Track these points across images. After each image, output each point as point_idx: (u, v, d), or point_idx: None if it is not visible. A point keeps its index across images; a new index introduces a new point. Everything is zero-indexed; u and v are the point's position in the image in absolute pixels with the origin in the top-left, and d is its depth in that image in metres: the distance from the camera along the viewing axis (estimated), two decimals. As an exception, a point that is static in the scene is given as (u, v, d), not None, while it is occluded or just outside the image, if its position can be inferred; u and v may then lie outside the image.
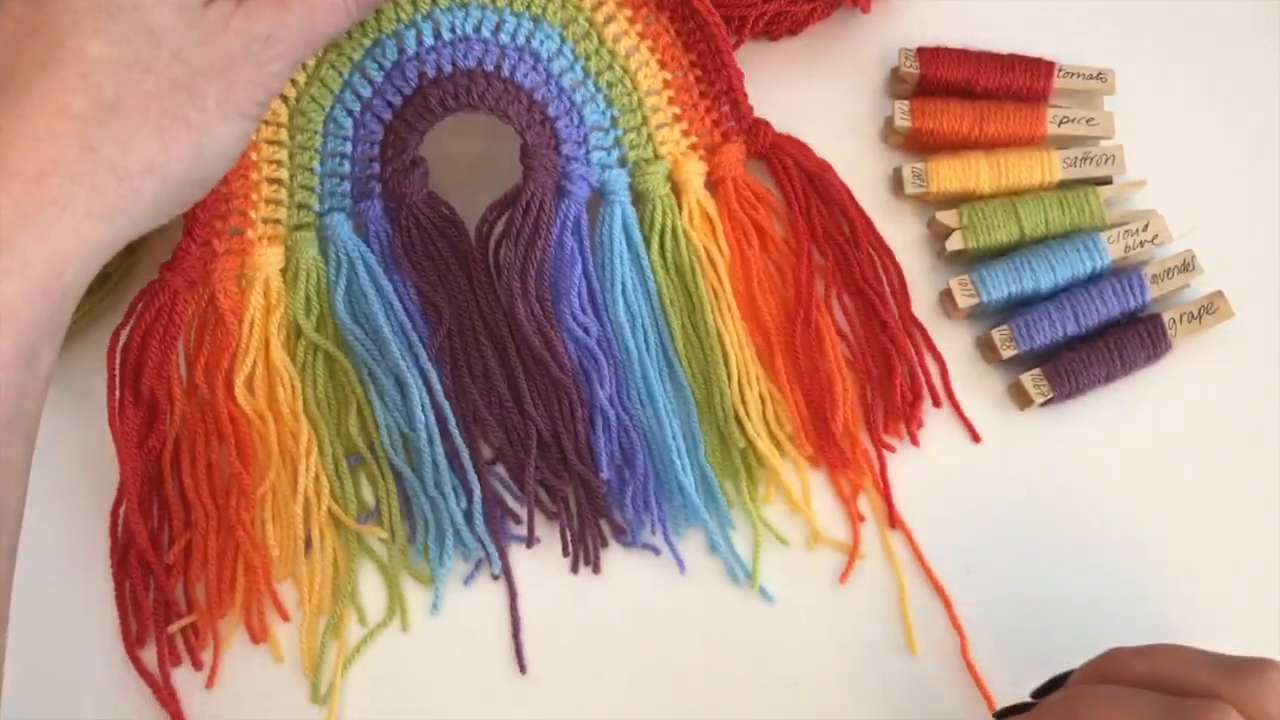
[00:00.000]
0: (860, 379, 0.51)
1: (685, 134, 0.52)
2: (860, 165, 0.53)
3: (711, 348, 0.50)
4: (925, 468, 0.51)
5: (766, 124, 0.53)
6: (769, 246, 0.52)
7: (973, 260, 0.53)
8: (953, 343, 0.52)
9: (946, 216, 0.52)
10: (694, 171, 0.52)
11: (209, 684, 0.48)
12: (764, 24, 0.54)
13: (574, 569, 0.50)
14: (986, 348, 0.52)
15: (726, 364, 0.50)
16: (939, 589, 0.49)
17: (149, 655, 0.49)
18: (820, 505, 0.51)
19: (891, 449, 0.51)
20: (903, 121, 0.53)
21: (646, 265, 0.51)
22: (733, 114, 0.53)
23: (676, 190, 0.52)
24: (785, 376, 0.51)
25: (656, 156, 0.52)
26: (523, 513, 0.50)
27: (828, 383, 0.50)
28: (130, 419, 0.48)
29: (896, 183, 0.53)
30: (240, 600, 0.49)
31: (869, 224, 0.52)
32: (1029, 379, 0.50)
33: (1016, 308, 0.52)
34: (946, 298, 0.52)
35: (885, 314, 0.51)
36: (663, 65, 0.52)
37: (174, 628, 0.48)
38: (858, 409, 0.51)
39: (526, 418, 0.49)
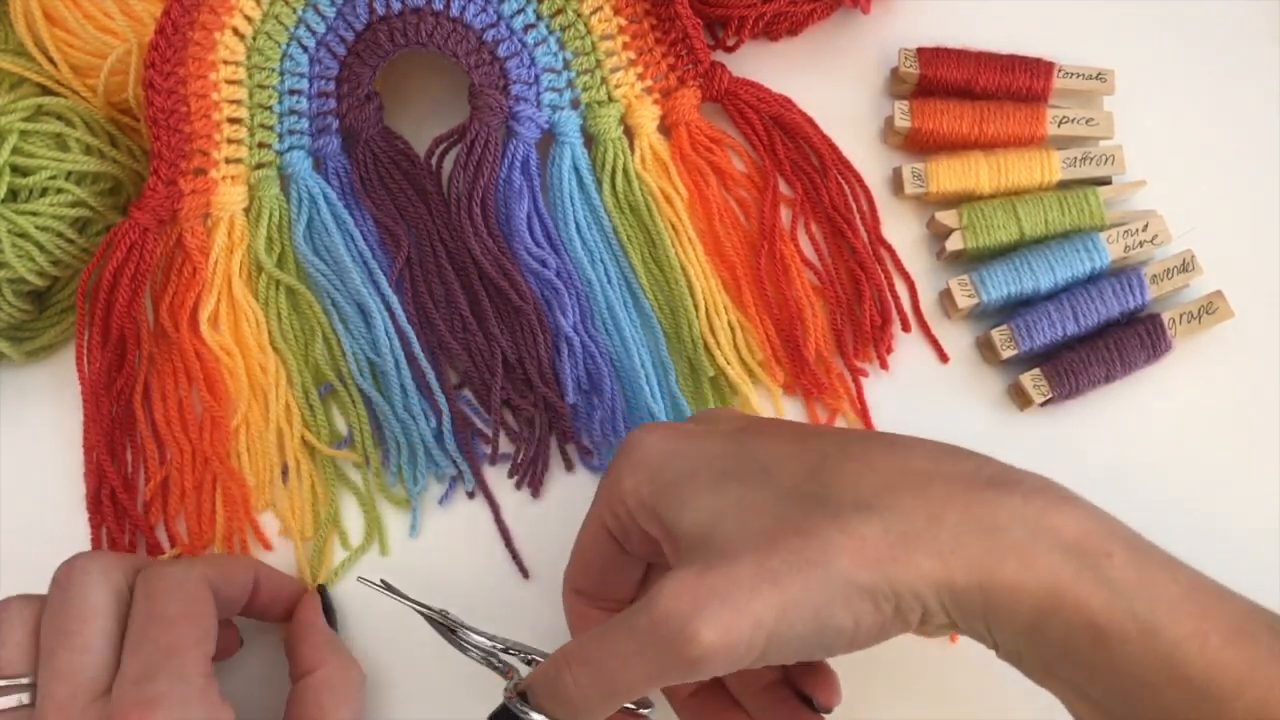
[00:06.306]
0: (830, 305, 0.52)
1: (640, 77, 0.53)
2: (860, 165, 0.53)
3: (676, 280, 0.51)
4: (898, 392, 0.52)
5: (723, 67, 0.53)
6: (729, 185, 0.53)
7: (972, 260, 0.53)
8: (953, 343, 0.52)
9: (946, 216, 0.52)
10: (647, 115, 0.53)
11: None
12: (764, 24, 0.54)
13: (534, 494, 0.51)
14: (986, 348, 0.52)
15: (692, 294, 0.51)
16: None
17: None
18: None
19: (865, 373, 0.52)
20: (903, 121, 0.53)
21: (599, 205, 0.52)
22: (689, 59, 0.53)
23: (629, 133, 0.53)
24: (753, 307, 0.52)
25: (610, 99, 0.53)
26: (492, 434, 0.51)
27: (797, 310, 0.51)
28: (98, 359, 0.50)
29: (896, 183, 0.54)
30: (221, 532, 0.50)
31: (836, 152, 0.53)
32: (1029, 379, 0.50)
33: (1016, 308, 0.52)
34: (946, 298, 0.52)
35: (854, 240, 0.52)
36: (617, 11, 0.53)
37: None
38: (829, 335, 0.52)
39: (491, 340, 0.50)
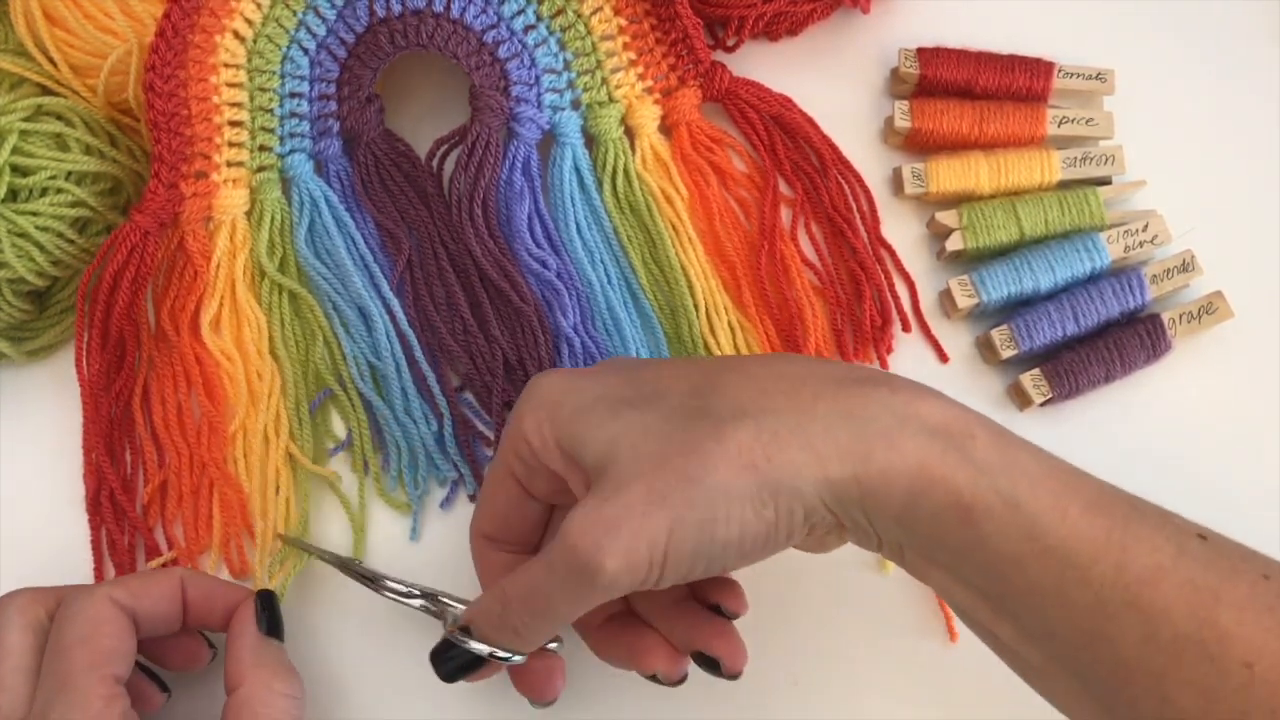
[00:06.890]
0: (830, 305, 0.52)
1: (641, 78, 0.53)
2: (860, 165, 0.53)
3: (676, 280, 0.51)
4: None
5: (723, 67, 0.53)
6: (729, 185, 0.53)
7: (973, 260, 0.53)
8: (953, 343, 0.52)
9: (946, 216, 0.52)
10: (648, 115, 0.53)
11: None
12: (764, 24, 0.54)
13: None
14: (986, 348, 0.52)
15: (693, 294, 0.51)
16: None
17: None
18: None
19: None
20: (903, 121, 0.53)
21: (599, 206, 0.52)
22: (689, 59, 0.53)
23: (630, 134, 0.53)
24: (754, 307, 0.52)
25: (611, 100, 0.53)
26: (494, 436, 0.51)
27: (797, 310, 0.51)
28: (97, 361, 0.50)
29: (896, 183, 0.54)
30: (218, 537, 0.49)
31: (836, 152, 0.53)
32: (1028, 379, 0.50)
33: (1016, 308, 0.52)
34: (946, 298, 0.52)
35: (854, 240, 0.52)
36: (617, 11, 0.53)
37: (153, 564, 0.49)
38: (829, 335, 0.52)
39: (492, 342, 0.50)
